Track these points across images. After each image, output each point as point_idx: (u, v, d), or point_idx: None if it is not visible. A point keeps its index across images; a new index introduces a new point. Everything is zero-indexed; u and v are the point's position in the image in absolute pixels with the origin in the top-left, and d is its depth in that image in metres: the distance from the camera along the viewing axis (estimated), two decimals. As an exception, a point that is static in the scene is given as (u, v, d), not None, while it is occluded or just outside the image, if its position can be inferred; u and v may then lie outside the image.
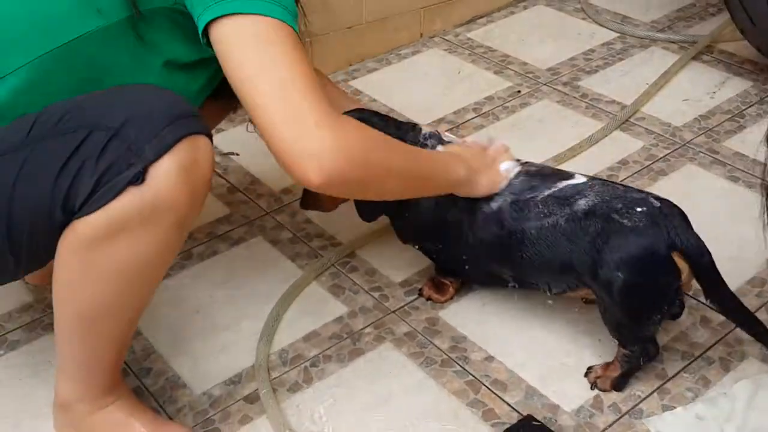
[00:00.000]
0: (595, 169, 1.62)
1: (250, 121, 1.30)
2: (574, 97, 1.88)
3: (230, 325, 1.32)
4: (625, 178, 1.60)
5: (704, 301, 1.15)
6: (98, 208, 0.90)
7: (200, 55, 1.06)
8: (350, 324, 1.32)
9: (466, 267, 1.27)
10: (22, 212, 0.92)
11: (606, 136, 1.74)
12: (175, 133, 0.91)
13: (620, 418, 1.15)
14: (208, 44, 0.96)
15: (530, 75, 1.98)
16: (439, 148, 1.23)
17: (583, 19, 2.22)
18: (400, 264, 1.43)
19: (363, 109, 1.29)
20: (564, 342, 1.27)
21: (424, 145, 1.23)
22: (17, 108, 0.95)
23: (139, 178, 0.89)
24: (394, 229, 1.33)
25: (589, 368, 1.21)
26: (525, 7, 2.28)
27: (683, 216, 1.13)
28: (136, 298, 1.01)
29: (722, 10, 2.16)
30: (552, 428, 1.13)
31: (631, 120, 1.79)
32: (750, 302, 1.29)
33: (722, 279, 1.11)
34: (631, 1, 2.28)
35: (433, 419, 1.16)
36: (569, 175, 1.20)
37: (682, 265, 1.09)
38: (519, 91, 1.92)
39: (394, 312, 1.34)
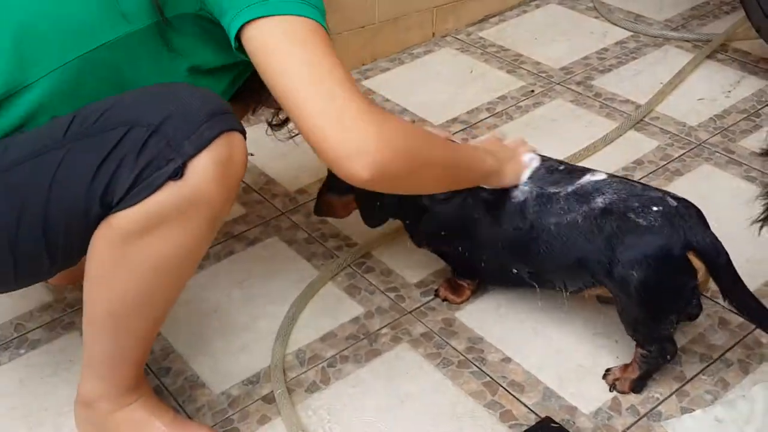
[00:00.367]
0: (609, 169, 1.61)
1: (270, 125, 1.32)
2: (588, 97, 1.88)
3: (248, 325, 1.33)
4: (640, 179, 1.60)
5: (722, 302, 1.15)
6: (137, 202, 0.91)
7: (224, 61, 1.07)
8: (367, 325, 1.32)
9: (483, 266, 1.27)
10: (58, 212, 0.92)
11: (620, 135, 1.74)
12: (212, 129, 0.92)
13: (638, 420, 1.15)
14: (239, 48, 0.97)
15: (543, 74, 1.98)
16: None
17: (596, 17, 2.22)
18: (415, 264, 1.43)
19: None
20: (581, 343, 1.27)
21: None
22: (46, 112, 0.96)
23: (178, 173, 0.90)
24: (408, 233, 1.34)
25: (608, 370, 1.21)
26: (537, 6, 2.28)
27: (700, 215, 1.13)
28: (167, 294, 1.02)
29: (736, 8, 2.15)
30: (570, 430, 1.13)
31: (646, 119, 1.79)
32: (768, 304, 1.29)
33: (740, 279, 1.11)
34: (644, 0, 2.28)
35: (450, 420, 1.16)
36: (591, 172, 1.20)
37: (698, 264, 1.09)
38: (532, 91, 1.91)
39: (410, 313, 1.34)
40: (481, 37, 2.15)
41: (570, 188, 1.17)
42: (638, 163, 1.66)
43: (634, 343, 1.17)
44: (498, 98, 1.89)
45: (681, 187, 1.56)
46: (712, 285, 1.13)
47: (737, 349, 1.25)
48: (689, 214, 1.11)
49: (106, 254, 0.95)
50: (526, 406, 1.18)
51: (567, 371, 1.23)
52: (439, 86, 1.95)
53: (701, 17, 2.21)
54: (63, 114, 0.95)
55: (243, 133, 0.98)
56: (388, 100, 1.90)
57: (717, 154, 1.68)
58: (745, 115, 1.79)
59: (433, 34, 2.14)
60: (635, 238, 1.10)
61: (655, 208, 1.11)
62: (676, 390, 1.19)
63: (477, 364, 1.25)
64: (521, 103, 1.87)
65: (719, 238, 1.10)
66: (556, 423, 1.13)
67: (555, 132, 1.77)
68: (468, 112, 1.84)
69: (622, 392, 1.18)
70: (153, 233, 0.93)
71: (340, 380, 1.23)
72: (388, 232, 1.48)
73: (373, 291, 1.39)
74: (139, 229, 0.92)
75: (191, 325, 1.33)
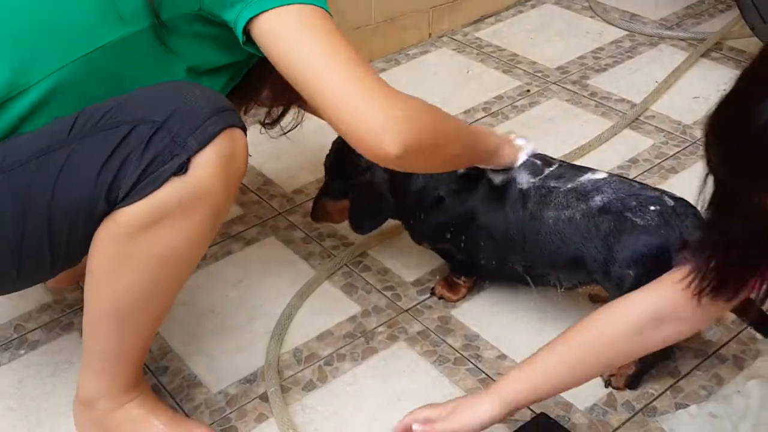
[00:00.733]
0: (605, 167, 1.61)
1: (263, 124, 1.33)
2: (584, 96, 1.89)
3: (245, 324, 1.34)
4: (635, 177, 1.61)
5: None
6: (141, 197, 0.92)
7: (223, 60, 1.08)
8: (363, 323, 1.33)
9: (482, 262, 1.27)
10: (63, 211, 0.93)
11: (616, 134, 1.75)
12: (216, 125, 0.93)
13: (633, 416, 1.16)
14: (246, 43, 0.98)
15: (539, 74, 1.99)
16: None
17: (592, 17, 2.23)
18: (412, 263, 1.44)
19: None
20: (576, 340, 1.28)
21: None
22: (45, 115, 0.97)
23: (183, 168, 0.92)
24: (407, 230, 1.34)
25: (603, 366, 1.22)
26: (533, 6, 2.29)
27: (697, 215, 1.13)
28: (169, 289, 1.03)
29: (731, 6, 2.16)
30: (565, 426, 1.14)
31: (641, 118, 1.80)
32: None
33: None
34: (639, -1, 2.29)
35: (447, 417, 1.17)
36: (591, 171, 1.21)
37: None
38: (528, 90, 1.92)
39: (406, 311, 1.35)
40: (477, 37, 2.16)
41: (570, 185, 1.18)
42: (633, 161, 1.67)
43: (629, 339, 1.18)
44: (494, 98, 1.90)
45: (676, 185, 1.56)
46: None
47: (732, 344, 1.26)
48: (686, 214, 1.12)
49: (111, 250, 0.96)
50: (521, 402, 1.18)
51: (562, 368, 1.24)
52: (435, 86, 1.96)
53: (696, 16, 2.22)
54: (63, 116, 0.95)
55: (244, 129, 0.99)
56: (384, 100, 1.90)
57: (712, 151, 1.68)
58: (739, 113, 1.80)
59: (430, 34, 2.15)
60: (632, 237, 1.10)
61: (652, 208, 1.12)
62: (671, 386, 1.20)
63: (473, 361, 1.25)
64: (517, 103, 1.88)
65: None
66: (551, 419, 1.14)
67: (551, 131, 1.78)
68: (464, 112, 1.85)
69: (618, 388, 1.19)
70: (157, 228, 0.94)
71: (337, 378, 1.24)
72: (384, 232, 1.49)
73: (369, 290, 1.40)
74: (144, 224, 0.93)
75: (189, 324, 1.34)
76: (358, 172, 1.27)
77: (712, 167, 0.77)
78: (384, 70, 2.03)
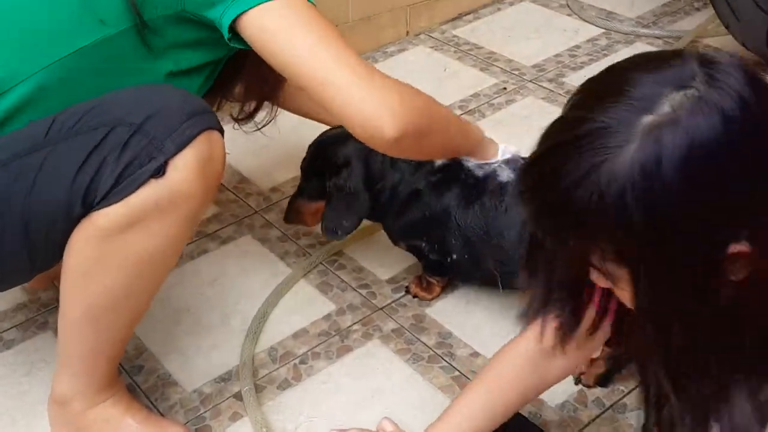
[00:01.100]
0: (579, 165, 1.64)
1: (236, 120, 1.33)
2: (560, 94, 1.90)
3: (220, 323, 1.34)
4: (609, 175, 1.63)
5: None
6: (119, 200, 0.92)
7: (204, 59, 1.09)
8: (338, 321, 1.34)
9: (456, 260, 1.28)
10: (40, 214, 0.93)
11: (591, 132, 1.76)
12: (193, 128, 0.94)
13: (604, 412, 1.18)
14: (231, 39, 1.00)
15: (516, 72, 2.00)
16: None
17: (569, 15, 2.24)
18: (387, 262, 1.45)
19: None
20: (548, 337, 1.30)
21: None
22: (25, 116, 0.97)
23: (160, 171, 0.92)
24: (385, 230, 1.35)
25: (573, 364, 1.24)
26: (511, 4, 2.30)
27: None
28: (146, 289, 1.03)
29: (707, 5, 2.18)
30: (536, 423, 1.15)
31: (616, 116, 1.82)
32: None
33: None
34: (616, -3, 2.31)
35: (421, 414, 1.18)
36: None
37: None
38: (505, 88, 1.94)
39: (381, 309, 1.36)
40: (454, 35, 2.16)
41: None
42: (607, 159, 1.69)
43: (599, 337, 1.19)
44: (471, 96, 1.91)
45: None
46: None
47: (700, 341, 1.28)
48: None
49: (88, 251, 0.96)
50: (494, 399, 1.20)
51: (534, 365, 1.25)
52: (413, 84, 1.96)
53: (672, 14, 2.24)
54: (43, 117, 0.95)
55: (222, 132, 1.00)
56: (362, 98, 1.91)
57: (684, 150, 1.70)
58: (712, 112, 1.82)
59: (407, 32, 2.16)
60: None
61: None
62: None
63: (446, 359, 1.27)
64: (494, 101, 1.89)
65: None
66: (523, 416, 1.15)
67: (527, 129, 1.79)
68: (441, 110, 1.86)
69: (588, 386, 1.21)
70: (134, 230, 0.94)
71: (311, 377, 1.25)
72: (360, 230, 1.49)
73: (344, 288, 1.40)
74: (121, 227, 0.94)
75: (164, 323, 1.34)
76: (335, 171, 1.28)
77: (528, 219, 0.72)
78: (362, 67, 2.04)
